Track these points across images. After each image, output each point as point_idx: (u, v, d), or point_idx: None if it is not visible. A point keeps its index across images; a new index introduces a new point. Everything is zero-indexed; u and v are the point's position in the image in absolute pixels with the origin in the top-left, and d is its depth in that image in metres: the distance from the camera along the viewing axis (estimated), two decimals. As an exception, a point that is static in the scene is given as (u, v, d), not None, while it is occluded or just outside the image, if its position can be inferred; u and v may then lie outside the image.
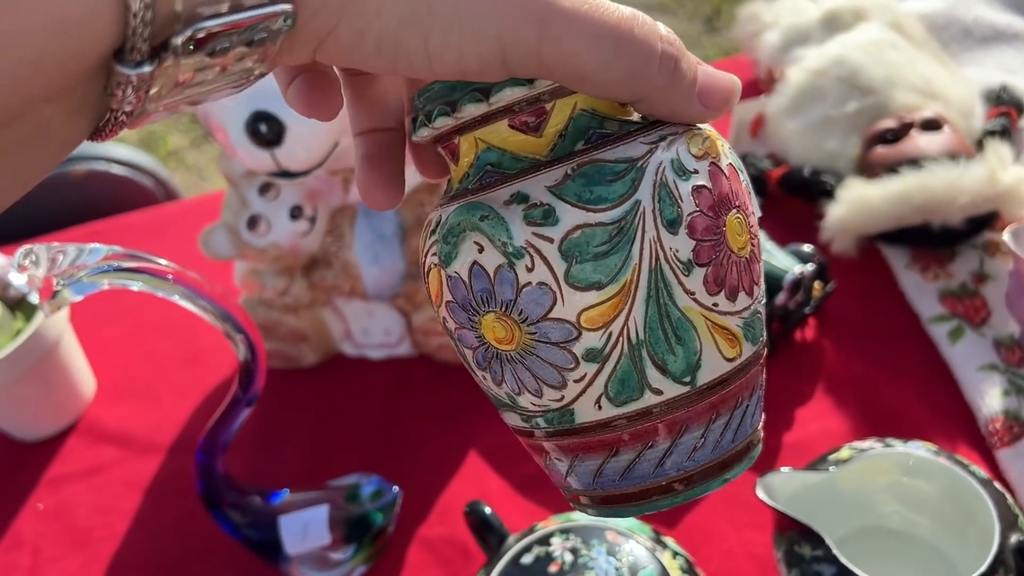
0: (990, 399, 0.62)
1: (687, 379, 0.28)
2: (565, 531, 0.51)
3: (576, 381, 0.28)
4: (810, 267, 0.68)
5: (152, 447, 0.73)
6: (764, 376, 0.33)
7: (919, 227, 0.69)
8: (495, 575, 0.50)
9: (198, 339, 0.82)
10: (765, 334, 0.31)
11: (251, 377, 0.53)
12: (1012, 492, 0.57)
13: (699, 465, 0.29)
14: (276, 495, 0.62)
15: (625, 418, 0.28)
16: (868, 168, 0.73)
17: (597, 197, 0.27)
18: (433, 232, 0.29)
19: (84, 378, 0.77)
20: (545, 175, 0.27)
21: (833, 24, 0.83)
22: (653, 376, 0.28)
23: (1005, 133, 0.75)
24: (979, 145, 0.73)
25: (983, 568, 0.46)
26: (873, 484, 0.56)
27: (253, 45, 0.22)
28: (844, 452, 0.54)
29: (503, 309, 0.28)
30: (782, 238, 0.72)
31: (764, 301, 0.31)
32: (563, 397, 0.29)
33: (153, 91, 0.21)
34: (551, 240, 0.27)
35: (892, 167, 0.70)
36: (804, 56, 0.82)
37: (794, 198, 0.79)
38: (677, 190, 0.27)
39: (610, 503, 0.31)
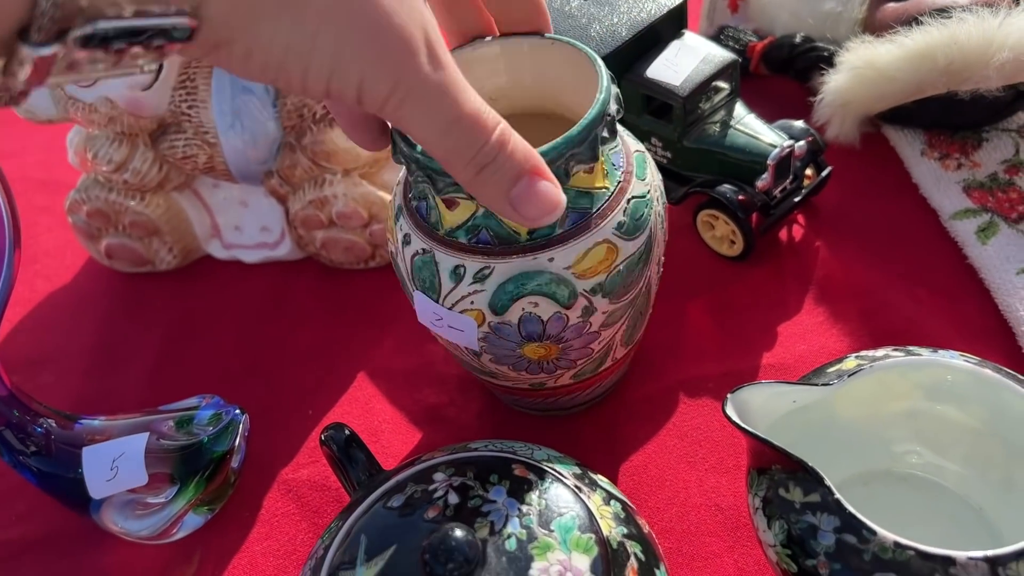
0: (1035, 309, 0.47)
1: None
2: (454, 464, 0.36)
3: None
4: (801, 144, 0.53)
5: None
6: None
7: (942, 100, 0.54)
8: (349, 524, 0.35)
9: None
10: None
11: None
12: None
13: None
14: (83, 420, 0.46)
15: None
16: (875, 32, 0.58)
17: None
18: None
19: None
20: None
21: None
22: None
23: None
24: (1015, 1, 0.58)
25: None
26: (884, 412, 0.41)
27: (149, 48, 0.24)
28: (849, 362, 0.39)
29: None
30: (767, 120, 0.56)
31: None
32: None
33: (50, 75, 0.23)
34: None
35: (906, 24, 0.55)
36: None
37: (782, 77, 0.64)
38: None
39: None
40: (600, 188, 0.38)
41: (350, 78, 0.28)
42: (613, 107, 0.36)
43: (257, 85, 0.53)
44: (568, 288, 0.37)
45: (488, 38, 0.40)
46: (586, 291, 0.38)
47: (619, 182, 0.39)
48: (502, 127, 0.31)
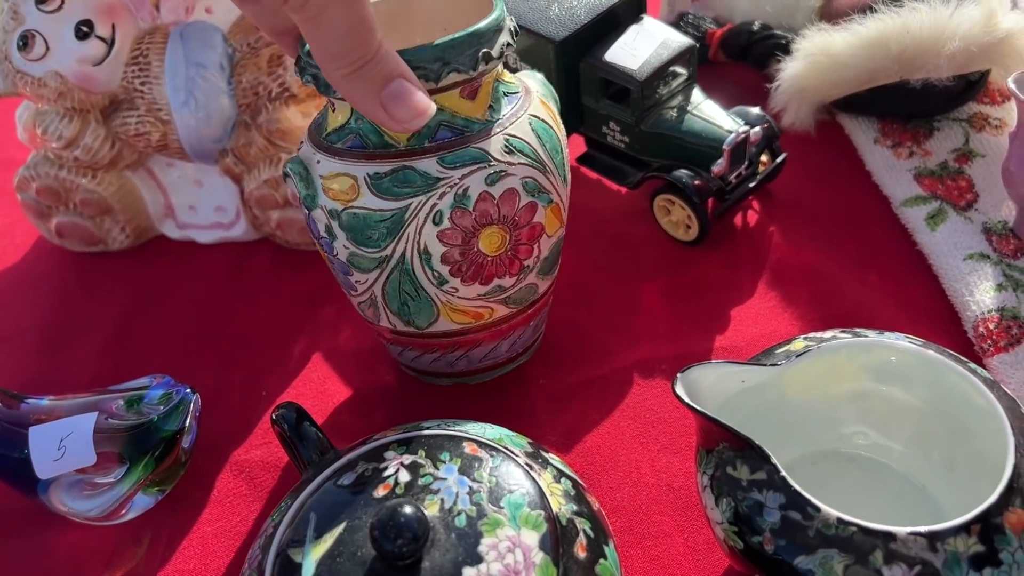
0: (980, 295, 0.48)
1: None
2: (406, 443, 0.36)
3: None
4: (756, 130, 0.53)
5: None
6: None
7: (893, 88, 0.55)
8: (300, 502, 0.35)
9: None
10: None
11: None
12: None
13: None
14: (30, 400, 0.45)
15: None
16: (832, 19, 0.59)
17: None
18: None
19: None
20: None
21: None
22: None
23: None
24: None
25: (994, 497, 0.32)
26: (831, 393, 0.41)
27: None
28: (797, 343, 0.39)
29: None
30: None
31: (531, 276, 0.43)
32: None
33: None
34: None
35: (862, 12, 0.55)
36: None
37: (740, 64, 0.64)
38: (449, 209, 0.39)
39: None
40: (479, 118, 0.39)
41: None
42: (504, 37, 0.38)
43: (211, 60, 0.52)
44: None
45: None
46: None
47: (499, 120, 0.39)
48: (380, 35, 0.34)
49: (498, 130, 0.39)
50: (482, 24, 0.37)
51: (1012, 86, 0.47)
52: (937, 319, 0.49)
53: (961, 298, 0.48)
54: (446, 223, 0.39)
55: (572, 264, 0.55)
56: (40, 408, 0.45)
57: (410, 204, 0.38)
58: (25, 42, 0.50)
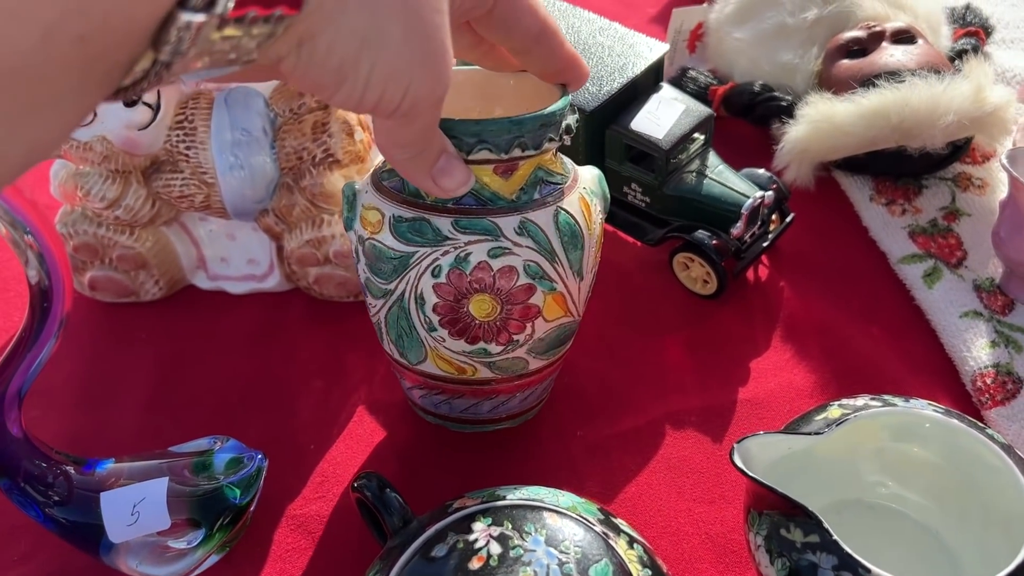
0: (977, 351, 0.53)
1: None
2: (489, 512, 0.39)
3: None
4: (770, 194, 0.57)
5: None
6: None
7: (890, 153, 0.59)
8: (396, 571, 0.37)
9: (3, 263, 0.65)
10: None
11: (48, 302, 0.38)
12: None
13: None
14: (98, 464, 0.47)
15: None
16: (830, 84, 0.63)
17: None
18: None
19: None
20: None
21: (786, -77, 0.72)
22: None
23: (975, 53, 0.66)
24: (952, 64, 0.64)
25: (1019, 560, 0.36)
26: (858, 449, 0.46)
27: (257, 36, 0.26)
28: (833, 410, 0.44)
29: None
30: (730, 165, 0.61)
31: (520, 351, 0.46)
32: None
33: (192, 49, 0.24)
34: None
35: (862, 83, 0.60)
36: (753, -42, 0.71)
37: (741, 120, 0.68)
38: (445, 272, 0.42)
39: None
40: (506, 196, 0.42)
41: (402, 80, 0.31)
42: (569, 119, 0.42)
43: (255, 125, 0.54)
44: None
45: (476, 67, 0.44)
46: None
47: (525, 202, 0.42)
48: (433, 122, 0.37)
49: (519, 212, 0.42)
50: (526, 115, 0.40)
51: (1005, 162, 0.52)
52: (938, 372, 0.53)
53: (959, 353, 0.53)
54: (443, 278, 0.42)
55: (596, 317, 0.58)
56: (109, 471, 0.46)
57: (417, 251, 0.42)
58: (74, 109, 0.51)
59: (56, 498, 0.44)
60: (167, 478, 0.46)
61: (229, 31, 0.24)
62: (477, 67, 0.44)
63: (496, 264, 0.42)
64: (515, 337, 0.45)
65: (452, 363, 0.46)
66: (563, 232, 0.43)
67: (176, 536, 0.45)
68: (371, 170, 0.46)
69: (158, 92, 0.53)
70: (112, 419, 0.56)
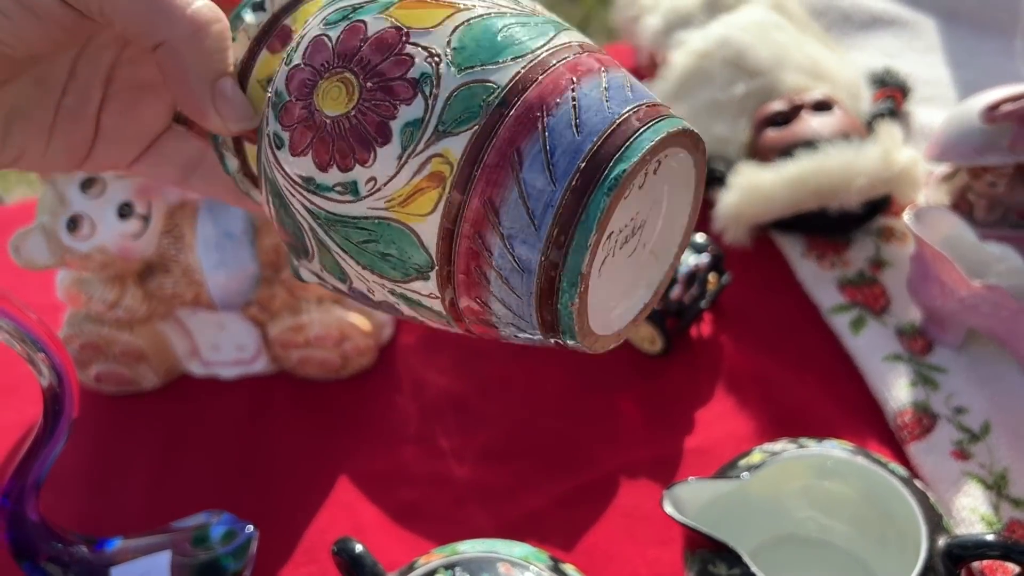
0: (897, 391, 0.58)
1: None
2: (450, 566, 0.44)
3: None
4: (705, 258, 0.63)
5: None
6: None
7: (815, 213, 0.65)
8: (370, 625, 0.42)
9: (13, 365, 0.70)
10: None
11: (59, 406, 0.44)
12: (927, 487, 0.53)
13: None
14: (107, 543, 0.52)
15: None
16: (759, 153, 0.69)
17: None
18: None
19: None
20: None
21: (715, 6, 0.79)
22: None
23: (892, 115, 0.72)
24: (868, 127, 0.70)
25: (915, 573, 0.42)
26: (785, 489, 0.51)
27: None
28: (755, 456, 0.49)
29: None
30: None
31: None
32: None
33: None
34: None
35: (785, 150, 0.66)
36: (687, 39, 0.77)
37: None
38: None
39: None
40: None
41: None
42: None
43: (236, 227, 0.61)
44: None
45: None
46: None
47: None
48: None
49: None
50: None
51: (907, 221, 0.58)
52: (866, 412, 0.59)
53: (882, 395, 0.58)
54: None
55: (556, 380, 0.64)
56: (117, 548, 0.52)
57: None
58: (75, 224, 0.58)
59: (73, 574, 0.50)
60: (170, 551, 0.51)
61: None
62: None
63: None
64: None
65: None
66: None
67: (178, 605, 0.50)
68: None
69: (148, 203, 0.60)
70: (119, 500, 0.61)
